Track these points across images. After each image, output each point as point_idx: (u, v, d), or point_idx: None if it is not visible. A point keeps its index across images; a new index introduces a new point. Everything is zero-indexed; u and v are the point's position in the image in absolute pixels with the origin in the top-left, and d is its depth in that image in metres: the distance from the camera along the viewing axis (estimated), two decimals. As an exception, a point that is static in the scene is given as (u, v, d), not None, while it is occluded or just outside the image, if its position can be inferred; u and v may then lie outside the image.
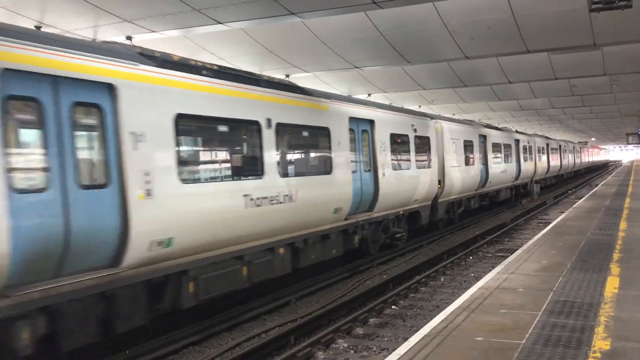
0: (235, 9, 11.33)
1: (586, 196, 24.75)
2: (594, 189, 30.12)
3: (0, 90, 6.03)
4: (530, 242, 12.48)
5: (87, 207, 6.84)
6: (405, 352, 5.50)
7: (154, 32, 12.65)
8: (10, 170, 6.10)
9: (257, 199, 9.65)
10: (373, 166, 14.25)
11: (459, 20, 15.44)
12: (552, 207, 27.79)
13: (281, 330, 8.89)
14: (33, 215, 6.27)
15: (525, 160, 31.77)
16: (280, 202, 10.23)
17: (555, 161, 43.35)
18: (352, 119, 13.39)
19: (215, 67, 9.64)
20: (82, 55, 7.01)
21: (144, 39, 13.20)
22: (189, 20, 12.00)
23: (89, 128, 7.20)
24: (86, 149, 7.17)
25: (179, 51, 16.94)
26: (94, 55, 7.18)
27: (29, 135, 6.69)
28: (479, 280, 9.19)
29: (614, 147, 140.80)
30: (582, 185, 45.67)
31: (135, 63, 7.75)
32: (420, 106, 26.70)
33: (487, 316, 6.65)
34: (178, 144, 8.24)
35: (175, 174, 8.09)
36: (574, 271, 8.96)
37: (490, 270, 9.66)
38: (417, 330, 7.18)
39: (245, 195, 9.38)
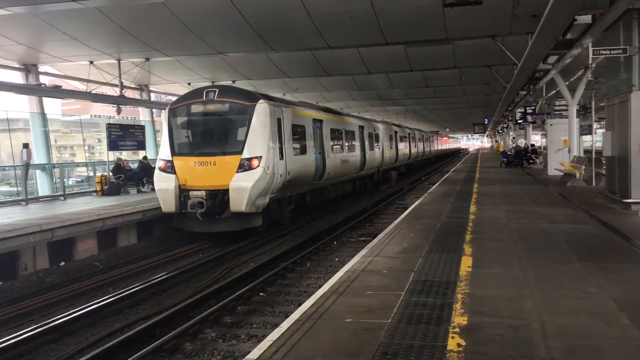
0: (90, -14, 10.67)
1: (439, 182, 26.24)
2: (446, 175, 32.05)
3: (313, 125, 20.21)
4: (391, 226, 12.96)
5: (318, 160, 20.26)
6: (278, 337, 5.49)
7: (-3, 7, 11.57)
8: (316, 148, 20.58)
9: (343, 160, 23.69)
10: (365, 149, 28.37)
11: (323, 10, 15.65)
12: (409, 193, 29.20)
13: (145, 323, 8.56)
14: (317, 161, 20.29)
15: (404, 147, 43.77)
16: (347, 163, 24.27)
17: (425, 147, 56.51)
18: (361, 127, 28.18)
19: (327, 108, 25.11)
20: (318, 111, 21.55)
21: (-14, 14, 12.04)
22: (37, -5, 11.10)
23: (318, 135, 20.48)
24: (317, 139, 20.31)
25: (27, 30, 15.62)
26: (319, 110, 21.99)
27: (313, 136, 20.03)
28: (344, 264, 9.40)
29: (462, 137, 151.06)
30: (434, 172, 48.47)
31: (325, 112, 22.32)
32: (284, 94, 26.86)
33: (355, 298, 6.82)
34: (331, 139, 22.01)
35: (331, 149, 21.77)
36: (432, 252, 9.44)
37: (355, 254, 9.92)
38: (286, 316, 7.20)
39: (341, 159, 23.44)
